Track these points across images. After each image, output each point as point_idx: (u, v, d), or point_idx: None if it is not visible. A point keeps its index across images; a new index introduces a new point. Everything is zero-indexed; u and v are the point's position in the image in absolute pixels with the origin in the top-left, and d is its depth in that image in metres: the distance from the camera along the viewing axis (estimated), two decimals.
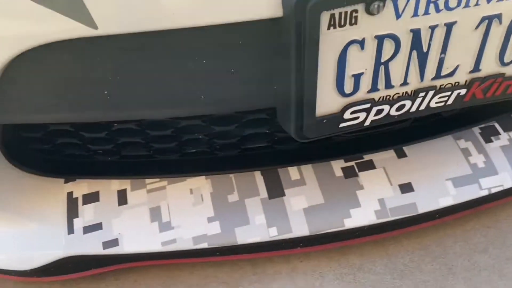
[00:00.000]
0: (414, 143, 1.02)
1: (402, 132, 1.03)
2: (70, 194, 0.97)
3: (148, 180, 0.99)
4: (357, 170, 0.99)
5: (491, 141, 1.03)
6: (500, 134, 1.04)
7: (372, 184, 0.97)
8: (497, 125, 1.05)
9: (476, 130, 1.05)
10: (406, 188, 0.97)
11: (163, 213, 0.94)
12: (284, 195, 0.96)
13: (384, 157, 1.01)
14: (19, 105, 0.72)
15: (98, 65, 0.66)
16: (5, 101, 0.71)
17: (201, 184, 0.98)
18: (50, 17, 0.59)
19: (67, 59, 0.65)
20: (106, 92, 0.69)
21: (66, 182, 0.99)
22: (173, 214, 0.94)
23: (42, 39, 0.62)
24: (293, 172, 0.99)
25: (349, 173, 0.99)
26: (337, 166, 1.00)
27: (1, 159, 0.90)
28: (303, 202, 0.95)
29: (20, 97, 0.71)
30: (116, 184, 0.98)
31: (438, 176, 0.98)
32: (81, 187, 0.98)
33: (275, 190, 0.96)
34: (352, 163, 1.00)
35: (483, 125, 1.05)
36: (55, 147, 0.98)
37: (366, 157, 1.01)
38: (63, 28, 0.60)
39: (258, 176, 0.99)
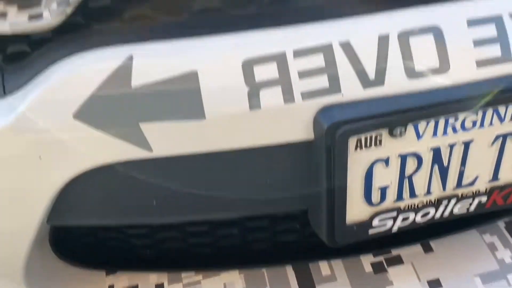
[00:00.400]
0: (439, 237, 1.05)
1: (427, 227, 1.07)
2: (111, 287, 1.02)
3: (184, 274, 1.04)
4: (385, 266, 1.02)
5: None
6: None
7: (401, 280, 1.00)
8: None
9: (501, 224, 1.08)
10: (434, 284, 0.99)
11: None
12: None
13: (411, 252, 1.04)
14: (74, 213, 0.80)
15: (149, 180, 0.74)
16: (61, 209, 0.79)
17: (235, 278, 1.02)
18: (110, 142, 0.68)
19: (121, 175, 0.74)
20: (154, 202, 0.76)
21: (107, 274, 1.04)
22: None
23: (102, 160, 0.70)
24: (323, 267, 1.03)
25: (378, 268, 1.02)
26: (367, 261, 1.03)
27: (48, 252, 0.97)
28: None
29: (76, 206, 0.79)
30: (154, 278, 1.03)
31: (466, 272, 1.00)
32: (121, 280, 1.04)
33: (307, 286, 1.00)
34: (381, 258, 1.03)
35: (507, 219, 1.08)
36: (98, 241, 1.04)
37: (394, 252, 1.04)
38: (121, 151, 0.69)
39: (290, 271, 1.03)
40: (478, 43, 0.68)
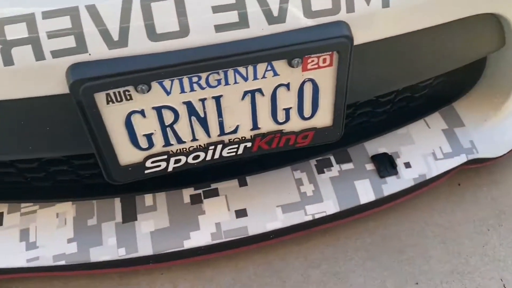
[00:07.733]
0: (256, 173, 1.19)
1: (247, 163, 1.20)
2: None
3: (23, 205, 1.15)
4: (202, 197, 1.15)
5: (323, 172, 1.19)
6: (332, 166, 1.20)
7: (213, 209, 1.14)
8: (332, 158, 1.22)
9: (313, 162, 1.22)
10: (241, 213, 1.13)
11: (31, 234, 1.10)
12: (136, 219, 1.12)
13: (228, 186, 1.17)
14: None
15: None
16: None
17: (67, 209, 1.14)
18: None
19: None
20: None
21: None
22: (39, 235, 1.10)
23: None
24: (148, 199, 1.15)
25: (195, 200, 1.15)
26: (187, 193, 1.16)
27: None
28: (151, 226, 1.11)
29: None
30: None
31: (270, 203, 1.15)
32: None
33: (129, 215, 1.13)
34: (199, 191, 1.17)
35: (320, 158, 1.22)
36: None
37: (213, 186, 1.17)
38: None
39: (117, 202, 1.15)
40: (216, 9, 0.75)
